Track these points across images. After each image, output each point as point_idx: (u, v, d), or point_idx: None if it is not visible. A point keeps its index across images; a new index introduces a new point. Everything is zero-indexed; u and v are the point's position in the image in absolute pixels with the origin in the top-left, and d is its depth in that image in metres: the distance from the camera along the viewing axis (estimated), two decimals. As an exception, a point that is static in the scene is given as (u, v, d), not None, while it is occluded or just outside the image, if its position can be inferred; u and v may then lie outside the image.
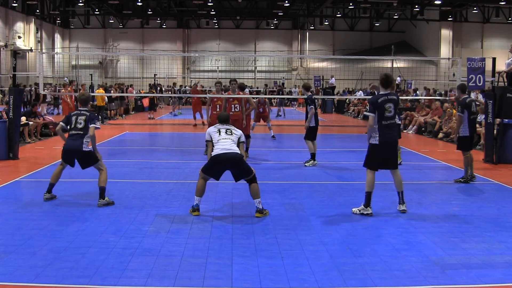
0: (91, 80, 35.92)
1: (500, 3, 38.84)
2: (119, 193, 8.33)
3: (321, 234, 6.35)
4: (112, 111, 25.80)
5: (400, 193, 7.55)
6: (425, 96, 24.21)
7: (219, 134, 7.42)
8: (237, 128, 7.89)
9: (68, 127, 7.90)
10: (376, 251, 5.74)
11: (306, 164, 11.62)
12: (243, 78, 44.71)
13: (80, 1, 43.12)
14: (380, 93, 7.50)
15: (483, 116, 13.99)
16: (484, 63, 13.49)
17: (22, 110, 14.69)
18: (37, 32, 43.33)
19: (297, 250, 5.72)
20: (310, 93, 12.12)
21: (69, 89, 21.95)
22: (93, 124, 7.78)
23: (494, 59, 13.22)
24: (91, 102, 23.43)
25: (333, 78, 34.30)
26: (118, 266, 5.13)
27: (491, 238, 6.28)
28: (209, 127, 8.04)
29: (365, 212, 7.27)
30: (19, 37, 39.75)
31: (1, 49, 36.72)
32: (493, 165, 12.13)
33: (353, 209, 7.43)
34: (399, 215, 7.35)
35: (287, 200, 8.17)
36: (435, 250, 5.77)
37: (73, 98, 20.41)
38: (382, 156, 7.36)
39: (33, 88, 26.71)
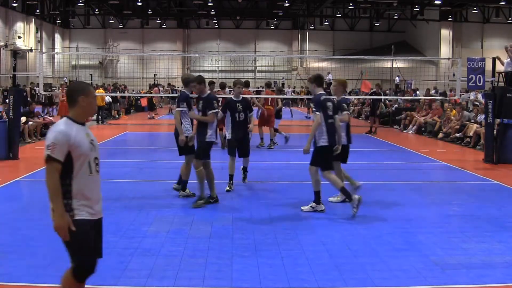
0: (91, 80, 35.95)
1: (500, 3, 38.85)
2: (119, 193, 8.33)
3: (321, 234, 6.35)
4: (116, 111, 26.11)
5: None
6: (424, 96, 24.19)
7: None
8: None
9: None
10: (376, 251, 5.74)
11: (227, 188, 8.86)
12: (243, 78, 44.62)
13: (80, 1, 43.13)
14: (320, 92, 7.45)
15: (483, 116, 14.00)
16: (484, 63, 13.50)
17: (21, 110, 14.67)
18: (37, 32, 43.33)
19: (297, 250, 5.72)
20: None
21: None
22: None
23: (494, 59, 13.21)
24: None
25: (330, 75, 34.24)
26: (118, 266, 5.13)
27: (491, 238, 6.28)
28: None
29: (318, 209, 7.31)
30: (19, 37, 39.76)
31: (1, 49, 36.72)
32: (493, 165, 12.12)
33: (303, 208, 7.40)
34: (399, 215, 7.33)
35: (287, 200, 8.16)
36: (435, 250, 5.76)
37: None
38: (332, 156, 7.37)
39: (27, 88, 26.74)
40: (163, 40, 49.60)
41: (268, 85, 16.19)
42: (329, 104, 7.35)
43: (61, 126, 3.61)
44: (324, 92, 7.53)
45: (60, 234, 3.56)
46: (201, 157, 7.67)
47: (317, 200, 7.34)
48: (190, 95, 8.15)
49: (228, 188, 8.73)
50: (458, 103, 19.93)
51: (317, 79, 7.57)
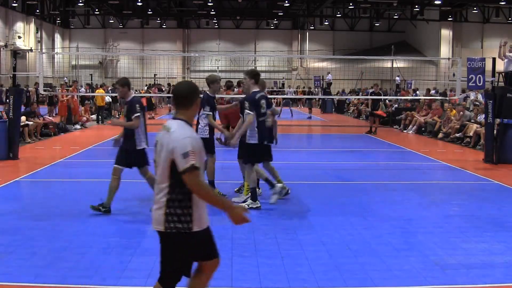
0: (91, 80, 35.96)
1: (500, 3, 38.82)
2: (120, 193, 8.31)
3: (321, 234, 6.35)
4: (116, 111, 26.22)
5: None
6: (424, 96, 24.20)
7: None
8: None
9: None
10: (376, 251, 5.74)
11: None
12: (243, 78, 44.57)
13: (80, 1, 43.10)
14: (255, 90, 7.41)
15: (483, 116, 14.00)
16: (484, 63, 13.50)
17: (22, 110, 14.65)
18: (37, 32, 43.31)
19: (297, 250, 5.72)
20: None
21: (70, 89, 21.99)
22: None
23: (494, 59, 13.22)
24: (88, 101, 23.45)
25: (330, 75, 34.21)
26: (118, 266, 5.13)
27: (491, 238, 6.27)
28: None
29: (254, 206, 7.37)
30: (19, 37, 39.73)
31: (1, 49, 36.70)
32: (493, 165, 12.11)
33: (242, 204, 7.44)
34: (399, 215, 7.33)
35: (287, 200, 8.15)
36: (435, 250, 5.76)
37: (74, 98, 20.34)
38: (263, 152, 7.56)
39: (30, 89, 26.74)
40: (163, 40, 49.58)
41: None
42: (263, 101, 7.43)
43: (189, 131, 3.38)
44: (258, 90, 7.46)
45: (243, 222, 3.42)
46: (119, 162, 7.13)
47: (254, 197, 7.45)
48: (212, 96, 8.04)
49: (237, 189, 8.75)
50: (458, 103, 19.94)
51: (256, 76, 7.49)
